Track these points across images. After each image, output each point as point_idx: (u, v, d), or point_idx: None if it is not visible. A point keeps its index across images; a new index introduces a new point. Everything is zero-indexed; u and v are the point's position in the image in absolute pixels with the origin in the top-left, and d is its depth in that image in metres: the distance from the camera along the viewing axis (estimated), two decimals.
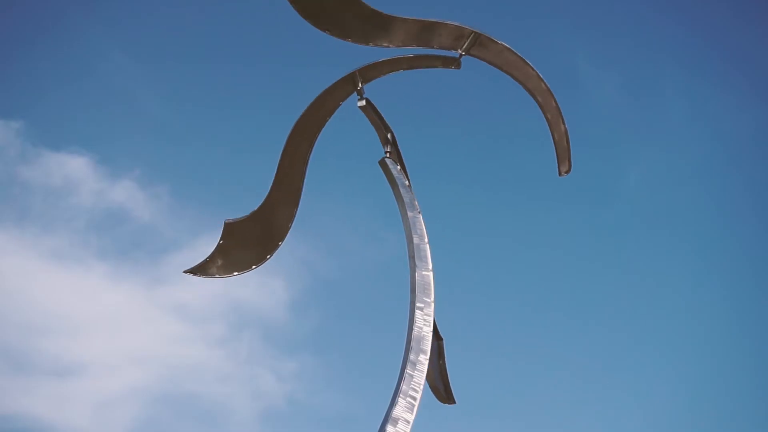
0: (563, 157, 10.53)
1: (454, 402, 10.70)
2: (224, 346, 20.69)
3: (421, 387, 8.78)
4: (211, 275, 10.60)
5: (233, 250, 10.57)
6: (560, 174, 10.57)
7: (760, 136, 21.14)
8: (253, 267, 10.74)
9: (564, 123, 10.46)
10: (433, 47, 10.28)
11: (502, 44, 10.19)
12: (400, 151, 10.58)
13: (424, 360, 8.94)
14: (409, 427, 8.51)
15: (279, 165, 10.47)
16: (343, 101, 10.43)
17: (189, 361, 20.38)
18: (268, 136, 21.45)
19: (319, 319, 20.36)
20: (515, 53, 10.22)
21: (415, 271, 9.51)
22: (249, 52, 22.92)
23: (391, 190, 10.22)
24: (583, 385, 19.21)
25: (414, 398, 8.67)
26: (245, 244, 10.62)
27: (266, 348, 20.71)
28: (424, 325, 9.17)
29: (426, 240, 9.77)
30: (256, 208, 10.60)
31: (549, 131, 10.58)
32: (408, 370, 8.82)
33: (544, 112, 10.48)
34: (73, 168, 21.88)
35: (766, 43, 21.35)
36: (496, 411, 18.43)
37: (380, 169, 10.36)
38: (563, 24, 22.69)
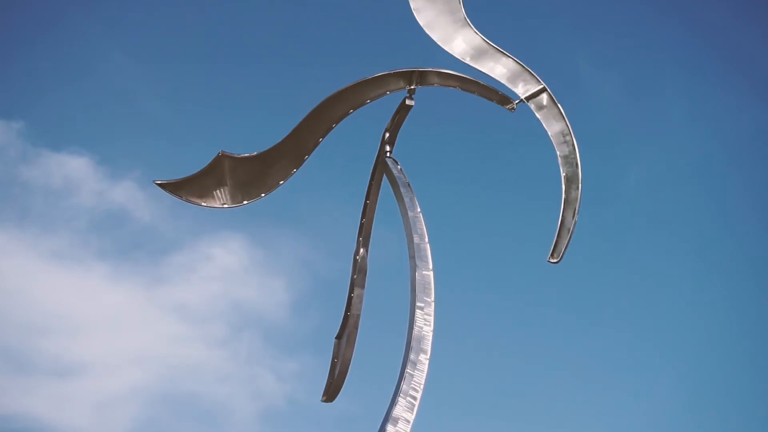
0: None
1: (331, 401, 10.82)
2: (224, 346, 20.70)
3: (422, 387, 8.79)
4: (178, 196, 10.23)
5: (212, 182, 10.18)
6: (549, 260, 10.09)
7: (761, 136, 21.15)
8: (224, 206, 10.25)
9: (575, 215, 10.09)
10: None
11: (558, 108, 10.18)
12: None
13: (424, 360, 8.95)
14: (409, 427, 8.52)
15: (303, 120, 10.11)
16: (391, 93, 10.30)
17: (189, 361, 20.39)
18: (269, 136, 21.39)
19: (319, 319, 20.36)
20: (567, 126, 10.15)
21: (415, 271, 9.51)
22: (250, 52, 22.93)
23: (391, 189, 10.23)
24: (583, 385, 19.21)
25: (414, 398, 8.68)
26: (228, 181, 10.21)
27: (266, 348, 20.72)
28: (424, 325, 9.18)
29: (426, 240, 9.77)
30: (256, 153, 10.19)
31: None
32: (408, 370, 8.83)
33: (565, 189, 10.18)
34: (74, 168, 21.90)
35: (766, 43, 21.36)
36: (496, 411, 18.44)
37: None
38: (563, 24, 22.69)
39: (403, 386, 8.71)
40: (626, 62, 22.49)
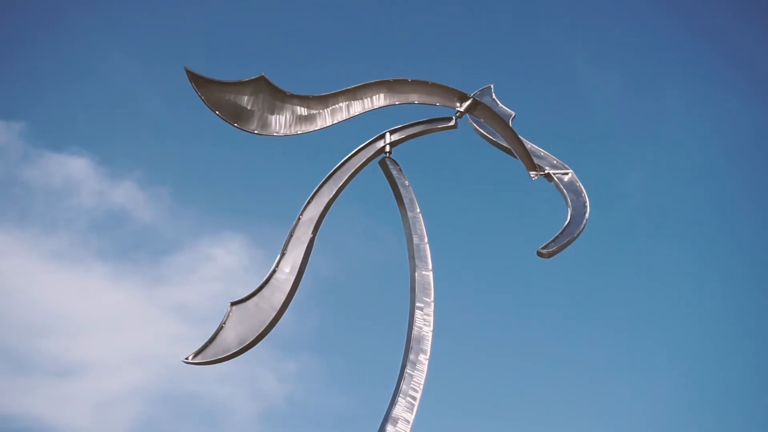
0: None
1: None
2: None
3: (421, 387, 8.81)
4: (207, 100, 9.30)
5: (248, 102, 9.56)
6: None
7: (761, 136, 21.17)
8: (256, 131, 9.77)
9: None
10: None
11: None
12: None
13: (424, 360, 8.97)
14: (409, 427, 8.53)
15: (361, 85, 10.14)
16: (438, 105, 10.55)
17: None
18: (269, 139, 21.41)
19: (319, 320, 20.36)
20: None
21: (415, 271, 9.53)
22: (250, 53, 22.93)
23: (390, 190, 10.23)
24: (583, 385, 19.21)
25: (414, 398, 8.69)
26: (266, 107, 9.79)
27: (267, 348, 20.70)
28: (424, 325, 9.20)
29: (426, 240, 9.78)
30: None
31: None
32: (408, 370, 8.85)
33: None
34: (74, 169, 21.91)
35: (766, 44, 21.37)
36: (496, 411, 18.45)
37: (380, 169, 10.36)
38: (562, 25, 22.71)
39: (403, 386, 8.73)
40: (626, 63, 22.51)
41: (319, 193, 9.86)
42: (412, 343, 9.05)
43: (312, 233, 9.68)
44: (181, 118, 21.96)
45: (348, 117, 10.23)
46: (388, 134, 10.32)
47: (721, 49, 22.14)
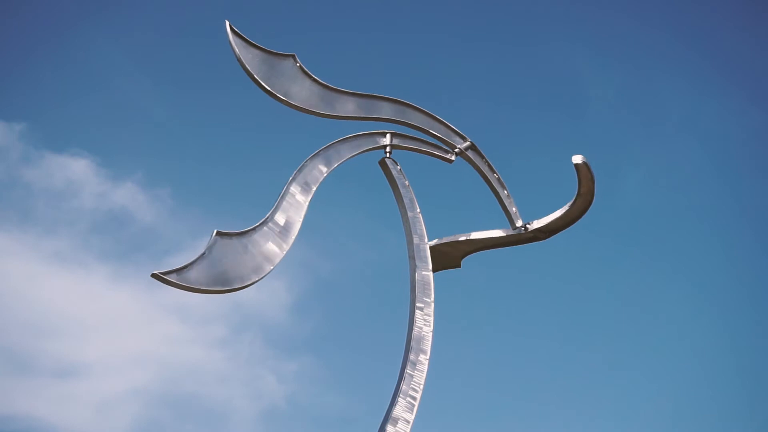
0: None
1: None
2: (225, 347, 20.75)
3: (421, 387, 8.82)
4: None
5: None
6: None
7: (756, 140, 21.23)
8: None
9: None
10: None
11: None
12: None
13: (424, 360, 8.98)
14: (409, 427, 8.54)
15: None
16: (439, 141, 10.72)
17: (190, 362, 20.43)
18: (270, 138, 21.51)
19: (319, 320, 20.41)
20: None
21: (415, 271, 9.54)
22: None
23: (390, 190, 10.26)
24: (583, 385, 19.24)
25: (414, 398, 8.70)
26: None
27: (267, 349, 20.76)
28: (424, 325, 9.21)
29: (426, 240, 9.81)
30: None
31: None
32: (408, 370, 8.86)
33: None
34: (75, 170, 21.95)
35: (760, 49, 21.45)
36: (496, 411, 18.48)
37: (380, 169, 10.38)
38: (563, 28, 22.76)
39: (403, 386, 8.74)
40: (626, 65, 22.57)
41: (315, 159, 9.72)
42: (412, 343, 9.06)
43: (308, 198, 9.48)
44: (182, 119, 22.02)
45: (351, 117, 10.29)
46: (389, 135, 10.36)
47: (720, 52, 22.22)
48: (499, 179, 10.77)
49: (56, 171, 21.86)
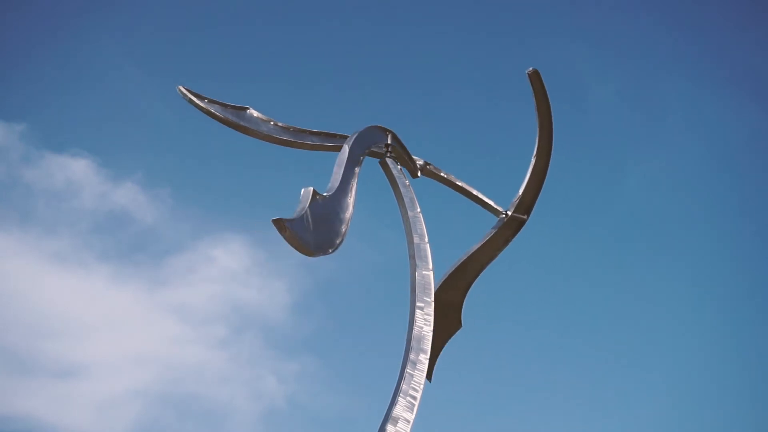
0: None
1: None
2: (226, 347, 20.75)
3: (421, 386, 8.80)
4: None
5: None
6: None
7: (757, 140, 21.24)
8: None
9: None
10: None
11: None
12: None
13: (424, 360, 8.96)
14: (409, 426, 8.52)
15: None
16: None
17: (190, 363, 20.44)
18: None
19: (319, 320, 20.41)
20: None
21: (415, 271, 9.53)
22: (252, 55, 22.99)
23: (391, 189, 10.25)
24: (582, 386, 19.24)
25: (414, 398, 8.68)
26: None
27: (267, 349, 20.76)
28: (424, 325, 9.19)
29: (426, 240, 9.79)
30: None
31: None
32: (408, 370, 8.84)
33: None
34: (76, 170, 21.96)
35: (761, 49, 21.46)
36: (496, 411, 18.47)
37: (380, 169, 10.39)
38: (564, 29, 22.78)
39: (403, 386, 8.72)
40: (626, 67, 22.59)
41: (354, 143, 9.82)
42: (412, 343, 9.04)
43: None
44: (182, 120, 22.02)
45: (318, 147, 10.50)
46: (390, 135, 10.41)
47: (718, 56, 22.24)
48: (463, 186, 10.92)
49: (56, 171, 21.88)
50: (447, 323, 10.53)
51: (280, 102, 21.78)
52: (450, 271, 10.59)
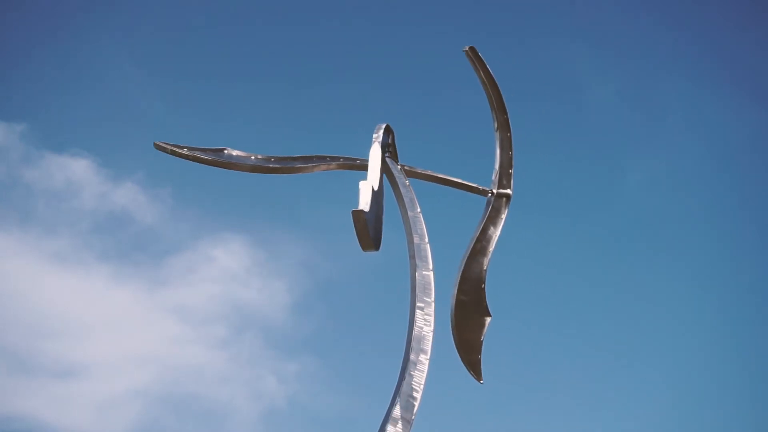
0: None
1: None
2: (226, 347, 20.75)
3: (422, 387, 8.79)
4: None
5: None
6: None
7: (757, 139, 21.23)
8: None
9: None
10: None
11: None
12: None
13: (424, 360, 8.95)
14: (410, 427, 8.52)
15: None
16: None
17: (190, 363, 20.43)
18: (270, 140, 21.51)
19: (320, 320, 20.41)
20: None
21: (415, 271, 9.52)
22: (252, 56, 23.00)
23: (391, 189, 10.25)
24: (582, 386, 19.24)
25: (414, 398, 8.67)
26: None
27: (267, 349, 20.76)
28: (424, 325, 9.19)
29: (426, 239, 9.78)
30: None
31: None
32: (408, 370, 8.84)
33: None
34: (76, 170, 21.95)
35: (761, 49, 21.45)
36: (496, 411, 18.47)
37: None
38: (563, 29, 22.77)
39: (403, 386, 8.71)
40: (626, 66, 22.58)
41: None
42: (413, 343, 9.03)
43: None
44: (183, 119, 22.03)
45: (304, 170, 10.62)
46: (391, 136, 10.44)
47: (718, 55, 22.24)
48: (445, 177, 10.87)
49: (57, 171, 21.88)
50: (477, 318, 10.43)
51: (280, 102, 21.80)
52: (463, 265, 10.49)
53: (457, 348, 9.66)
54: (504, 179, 10.57)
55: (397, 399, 8.61)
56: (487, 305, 10.40)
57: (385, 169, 10.26)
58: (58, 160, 22.04)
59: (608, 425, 18.19)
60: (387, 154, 10.30)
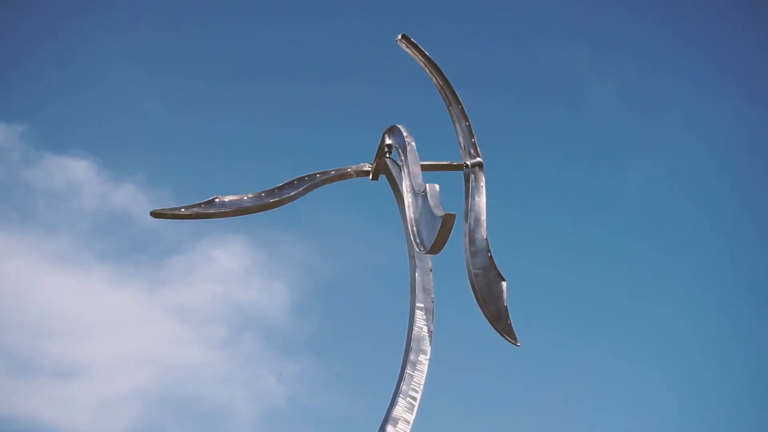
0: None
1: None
2: (225, 347, 20.74)
3: (421, 387, 8.81)
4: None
5: None
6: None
7: (757, 140, 21.24)
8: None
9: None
10: None
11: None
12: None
13: (424, 360, 8.97)
14: (409, 427, 8.53)
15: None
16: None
17: (190, 363, 20.43)
18: (272, 137, 21.53)
19: (320, 321, 20.40)
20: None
21: (415, 271, 9.55)
22: (253, 56, 23.01)
23: (391, 190, 10.26)
24: (582, 387, 19.24)
25: (414, 398, 8.70)
26: None
27: (267, 350, 20.75)
28: (424, 325, 9.21)
29: None
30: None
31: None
32: (408, 370, 8.85)
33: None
34: (76, 171, 21.95)
35: (761, 49, 21.46)
36: (496, 411, 18.47)
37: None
38: (563, 30, 22.78)
39: (403, 387, 8.73)
40: (625, 66, 22.59)
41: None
42: (412, 343, 9.05)
43: None
44: (183, 120, 22.04)
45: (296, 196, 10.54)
46: (386, 136, 10.43)
47: (718, 56, 22.24)
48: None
49: (57, 172, 21.87)
50: (495, 286, 10.29)
51: (280, 102, 21.81)
52: (467, 242, 10.32)
53: (489, 321, 9.56)
54: (471, 149, 10.44)
55: (397, 399, 8.63)
56: (498, 271, 10.29)
57: (385, 169, 10.28)
58: (59, 160, 22.04)
59: (608, 425, 18.19)
60: (387, 155, 10.31)
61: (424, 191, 8.60)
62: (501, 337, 9.69)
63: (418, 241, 8.66)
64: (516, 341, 9.86)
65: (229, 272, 21.82)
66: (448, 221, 7.97)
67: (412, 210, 9.06)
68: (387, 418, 8.53)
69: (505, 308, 9.75)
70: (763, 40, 21.46)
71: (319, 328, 20.17)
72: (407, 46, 10.69)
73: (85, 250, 21.39)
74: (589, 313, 20.40)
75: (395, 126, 10.23)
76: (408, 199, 9.31)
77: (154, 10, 22.56)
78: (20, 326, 20.32)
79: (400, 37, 10.68)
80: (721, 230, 20.87)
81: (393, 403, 8.64)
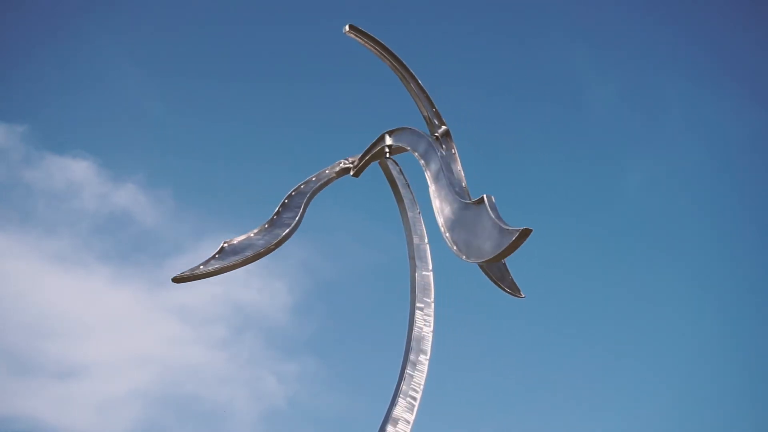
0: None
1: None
2: (225, 348, 20.75)
3: (421, 387, 8.83)
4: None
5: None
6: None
7: (757, 140, 21.24)
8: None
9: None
10: None
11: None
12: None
13: (424, 360, 8.99)
14: (409, 427, 8.55)
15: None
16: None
17: (190, 363, 20.44)
18: (273, 137, 21.54)
19: (320, 321, 20.40)
20: None
21: (415, 272, 9.56)
22: (253, 56, 23.01)
23: (390, 190, 10.27)
24: (583, 387, 19.25)
25: (414, 398, 8.71)
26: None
27: (267, 350, 20.76)
28: (424, 325, 9.22)
29: (426, 240, 9.82)
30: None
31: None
32: (408, 370, 8.87)
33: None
34: (77, 171, 21.95)
35: (761, 49, 21.46)
36: (496, 412, 18.48)
37: (380, 169, 10.40)
38: (563, 30, 22.77)
39: (403, 386, 8.75)
40: (625, 66, 22.58)
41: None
42: (412, 344, 9.07)
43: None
44: (184, 120, 22.04)
45: (293, 228, 10.53)
46: (387, 136, 10.41)
47: (718, 56, 22.24)
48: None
49: (57, 172, 21.88)
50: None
51: (280, 102, 21.82)
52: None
53: (493, 281, 9.51)
54: (435, 119, 10.34)
55: (397, 399, 8.65)
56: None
57: (385, 170, 10.29)
58: (59, 161, 22.04)
59: (608, 425, 18.19)
60: (386, 155, 10.32)
61: (480, 200, 8.11)
62: (505, 292, 9.66)
63: (465, 248, 8.01)
64: (520, 293, 9.78)
65: (230, 272, 21.81)
66: (524, 235, 7.70)
67: (444, 215, 8.52)
68: (387, 418, 8.54)
69: (505, 264, 9.74)
70: (763, 40, 21.46)
71: (319, 328, 20.17)
72: (356, 35, 10.54)
73: (85, 251, 21.40)
74: (589, 313, 20.41)
75: (406, 128, 10.10)
76: (436, 204, 8.90)
77: (154, 10, 22.55)
78: (20, 326, 20.34)
79: (347, 28, 10.52)
80: (721, 230, 20.87)
81: (393, 403, 8.65)
